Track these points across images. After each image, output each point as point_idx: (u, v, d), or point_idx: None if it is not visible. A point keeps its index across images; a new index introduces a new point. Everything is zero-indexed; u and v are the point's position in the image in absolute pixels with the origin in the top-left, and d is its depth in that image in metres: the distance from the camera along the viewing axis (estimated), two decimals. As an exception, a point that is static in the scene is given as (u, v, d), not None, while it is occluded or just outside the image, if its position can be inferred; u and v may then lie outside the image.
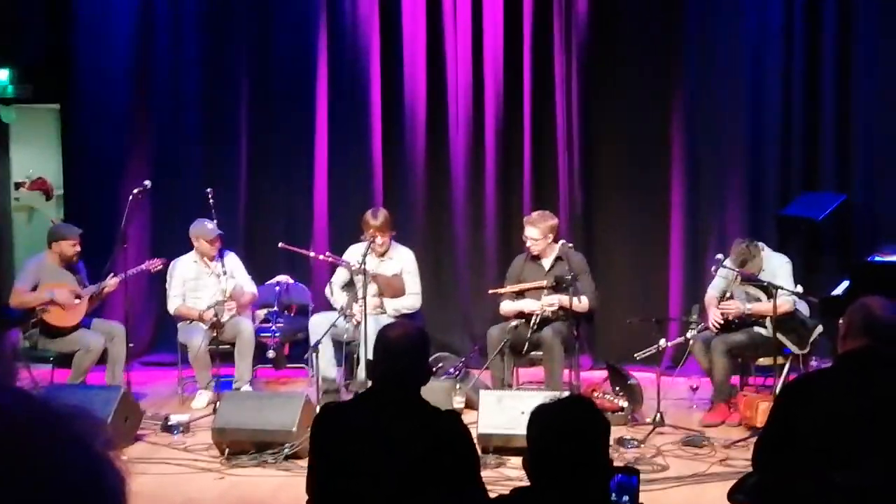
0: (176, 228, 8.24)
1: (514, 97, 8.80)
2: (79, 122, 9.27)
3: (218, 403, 6.65)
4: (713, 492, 5.37)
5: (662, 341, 6.98)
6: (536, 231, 7.35)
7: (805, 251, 8.32)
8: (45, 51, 9.27)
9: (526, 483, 2.59)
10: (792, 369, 6.96)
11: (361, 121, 8.95)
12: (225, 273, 7.59)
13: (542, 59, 8.75)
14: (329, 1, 8.96)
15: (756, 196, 8.54)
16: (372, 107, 8.92)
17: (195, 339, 7.47)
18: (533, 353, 7.31)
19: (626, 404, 6.91)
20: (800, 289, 7.01)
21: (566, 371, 7.23)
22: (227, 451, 6.21)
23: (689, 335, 7.16)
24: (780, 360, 6.94)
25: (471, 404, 6.89)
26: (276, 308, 8.08)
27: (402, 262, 7.69)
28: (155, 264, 7.75)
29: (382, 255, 7.63)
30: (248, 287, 7.82)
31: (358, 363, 7.28)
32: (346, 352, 7.24)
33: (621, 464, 4.94)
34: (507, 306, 7.44)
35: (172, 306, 7.79)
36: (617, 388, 7.06)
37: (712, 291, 7.31)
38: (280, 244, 7.72)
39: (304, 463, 3.48)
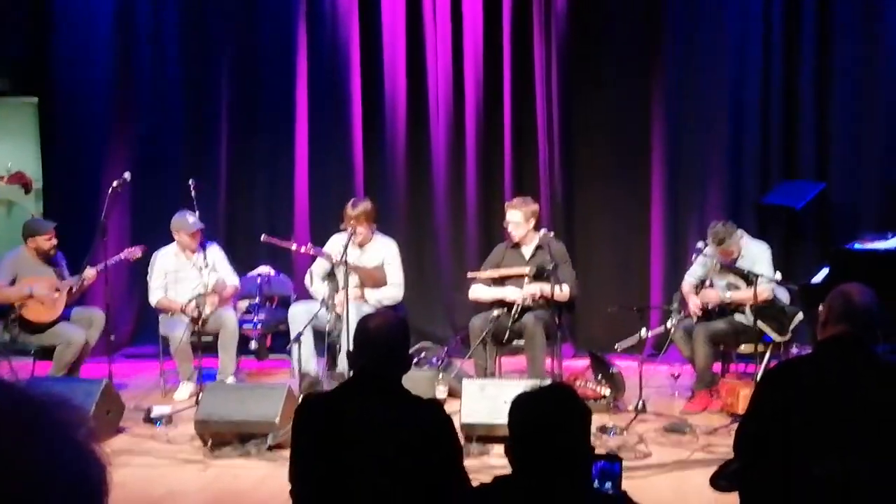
0: (157, 220, 8.19)
1: (495, 87, 8.80)
2: (57, 114, 9.21)
3: (200, 395, 6.64)
4: (696, 478, 5.39)
5: (643, 331, 7.00)
6: (519, 214, 7.34)
7: (785, 239, 8.37)
8: (23, 43, 9.20)
9: (509, 471, 2.60)
10: (773, 356, 7.00)
11: (342, 112, 8.94)
12: (207, 266, 7.57)
13: (522, 48, 8.75)
14: (309, -7, 8.95)
15: (736, 185, 8.58)
16: (352, 98, 8.91)
17: (177, 332, 7.45)
18: (515, 341, 7.33)
19: (608, 392, 6.94)
20: (779, 276, 7.04)
21: (548, 360, 7.25)
22: (210, 442, 6.20)
23: (669, 324, 7.19)
24: (760, 347, 6.99)
25: (454, 393, 6.91)
26: (257, 299, 8.07)
27: (384, 252, 7.68)
28: (134, 252, 7.73)
29: (363, 245, 7.62)
30: (231, 279, 7.81)
31: (339, 353, 7.29)
32: (327, 342, 7.23)
33: (604, 451, 4.96)
34: (478, 291, 7.43)
35: (154, 298, 7.77)
36: (599, 377, 7.08)
37: (689, 279, 7.34)
38: (263, 237, 7.68)
39: (287, 453, 3.48)
